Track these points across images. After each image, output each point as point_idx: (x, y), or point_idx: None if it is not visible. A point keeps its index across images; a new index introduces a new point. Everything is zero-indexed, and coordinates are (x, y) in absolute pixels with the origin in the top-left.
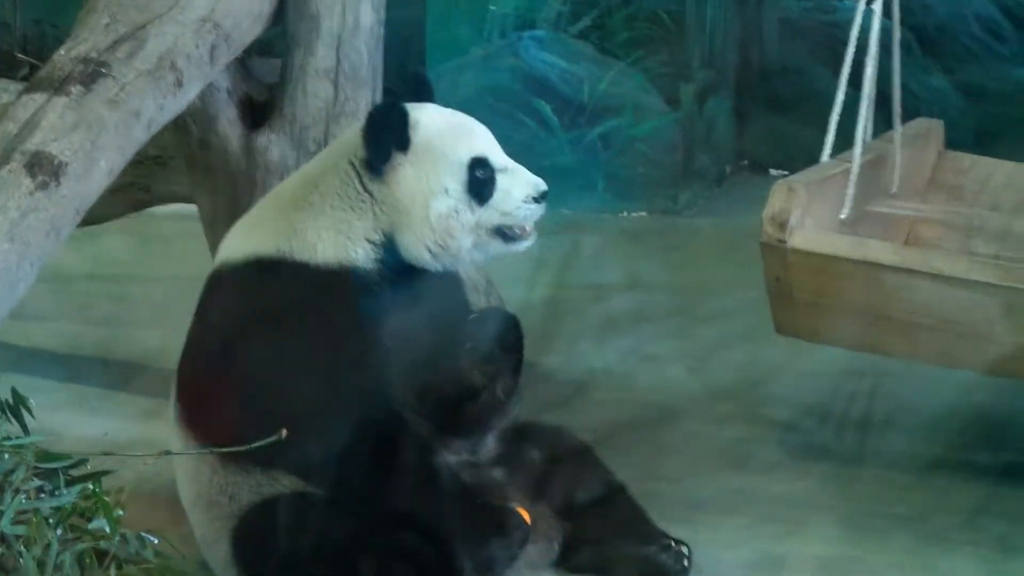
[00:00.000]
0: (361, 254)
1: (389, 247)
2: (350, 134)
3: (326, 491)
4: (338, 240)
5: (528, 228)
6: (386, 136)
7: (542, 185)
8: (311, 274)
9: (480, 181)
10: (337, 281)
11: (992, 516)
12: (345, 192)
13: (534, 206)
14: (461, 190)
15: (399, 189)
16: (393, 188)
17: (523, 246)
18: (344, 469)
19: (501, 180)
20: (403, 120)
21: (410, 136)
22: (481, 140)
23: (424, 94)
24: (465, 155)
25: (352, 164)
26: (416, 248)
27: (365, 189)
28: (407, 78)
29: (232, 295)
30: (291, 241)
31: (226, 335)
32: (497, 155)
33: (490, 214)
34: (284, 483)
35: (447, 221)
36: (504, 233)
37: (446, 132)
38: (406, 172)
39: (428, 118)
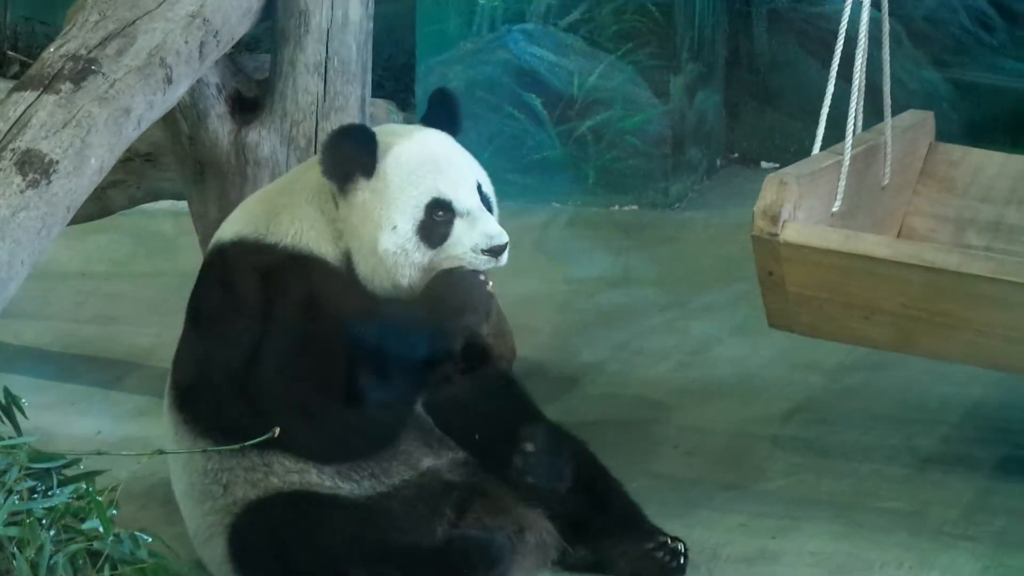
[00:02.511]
0: (331, 251)
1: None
2: None
3: (319, 462)
4: (309, 234)
5: (483, 278)
6: (345, 160)
7: (500, 238)
8: (282, 256)
9: (435, 224)
10: (306, 267)
11: (989, 511)
12: (320, 190)
13: (485, 258)
14: (411, 230)
15: (354, 214)
16: (351, 210)
17: None
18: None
19: (458, 225)
20: (367, 147)
21: (376, 163)
22: (448, 180)
23: (449, 112)
24: (424, 196)
25: None
26: (366, 274)
27: (334, 197)
28: (432, 97)
29: (214, 277)
30: (270, 224)
31: (207, 316)
32: (463, 197)
33: (442, 258)
34: (276, 470)
35: (394, 258)
36: None
37: (411, 168)
38: (364, 198)
39: (401, 148)
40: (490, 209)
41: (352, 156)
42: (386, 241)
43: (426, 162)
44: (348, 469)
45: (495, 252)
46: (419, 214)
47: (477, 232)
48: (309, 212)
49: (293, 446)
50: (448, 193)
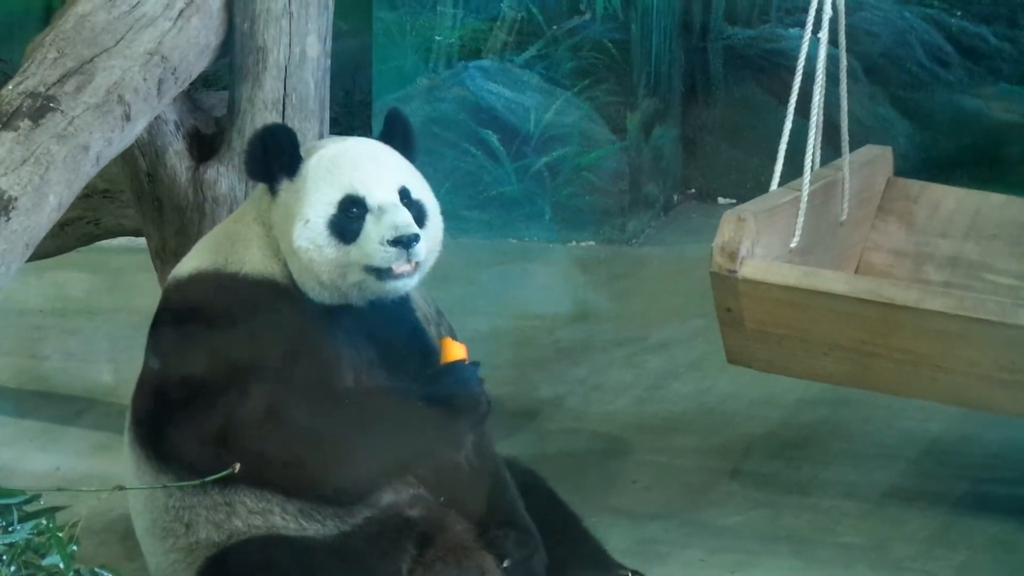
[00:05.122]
0: (279, 269)
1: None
2: None
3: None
4: (256, 254)
5: (406, 267)
6: (265, 157)
7: (404, 229)
8: (240, 285)
9: (348, 220)
10: (262, 292)
11: (949, 546)
12: (260, 206)
13: (393, 250)
14: (322, 225)
15: (278, 214)
16: (278, 212)
17: (397, 285)
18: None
19: (368, 221)
20: (288, 144)
21: (299, 163)
22: (364, 178)
23: (403, 132)
24: (337, 193)
25: None
26: (297, 276)
27: (271, 207)
28: (387, 117)
29: (173, 310)
30: (227, 254)
31: (164, 350)
32: (377, 194)
33: (357, 254)
34: (239, 510)
35: (308, 254)
36: (379, 271)
37: (328, 165)
38: (287, 198)
39: (324, 150)
40: (423, 217)
41: (272, 154)
42: (299, 236)
43: (344, 161)
44: (311, 509)
45: (402, 243)
46: (331, 210)
47: (383, 225)
48: (256, 229)
49: (258, 478)
50: (361, 190)
